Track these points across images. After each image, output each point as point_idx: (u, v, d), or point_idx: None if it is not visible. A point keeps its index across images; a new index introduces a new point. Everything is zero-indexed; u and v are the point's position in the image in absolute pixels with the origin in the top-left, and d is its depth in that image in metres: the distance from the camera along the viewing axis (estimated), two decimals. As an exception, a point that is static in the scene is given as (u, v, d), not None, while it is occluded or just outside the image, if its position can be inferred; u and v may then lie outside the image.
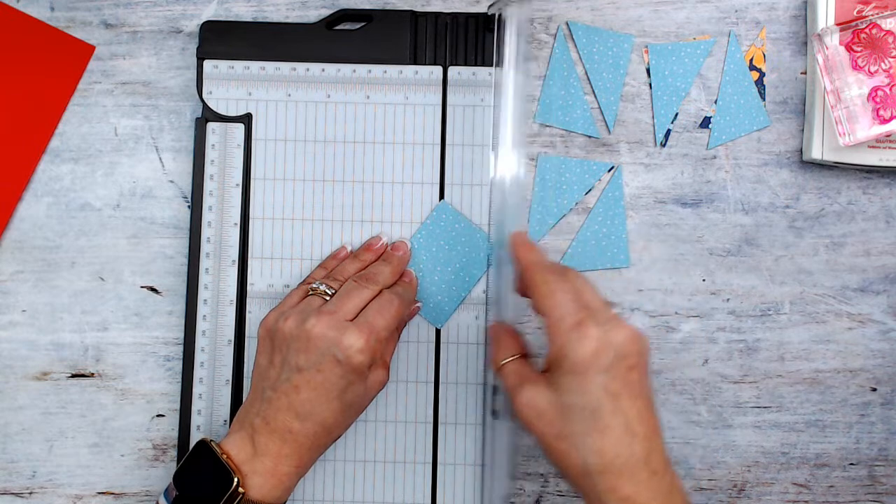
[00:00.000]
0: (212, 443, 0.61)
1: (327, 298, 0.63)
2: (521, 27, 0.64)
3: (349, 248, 0.68)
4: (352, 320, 0.61)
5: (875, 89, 0.66)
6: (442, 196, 0.68)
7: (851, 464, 0.69)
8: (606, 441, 0.54)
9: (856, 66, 0.66)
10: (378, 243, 0.68)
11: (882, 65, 0.66)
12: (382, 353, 0.63)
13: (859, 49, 0.67)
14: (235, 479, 0.59)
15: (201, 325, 0.68)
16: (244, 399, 0.65)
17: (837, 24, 0.67)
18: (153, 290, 0.70)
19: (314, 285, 0.64)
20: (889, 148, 0.68)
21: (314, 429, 0.61)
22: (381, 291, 0.64)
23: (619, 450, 0.53)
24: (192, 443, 0.67)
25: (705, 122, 0.70)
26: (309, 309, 0.62)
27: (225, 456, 0.60)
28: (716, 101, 0.70)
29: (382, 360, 0.64)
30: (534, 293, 0.58)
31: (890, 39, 0.67)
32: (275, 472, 0.60)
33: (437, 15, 0.68)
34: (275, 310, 0.64)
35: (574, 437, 0.54)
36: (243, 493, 0.59)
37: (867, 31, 0.66)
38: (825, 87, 0.67)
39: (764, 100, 0.70)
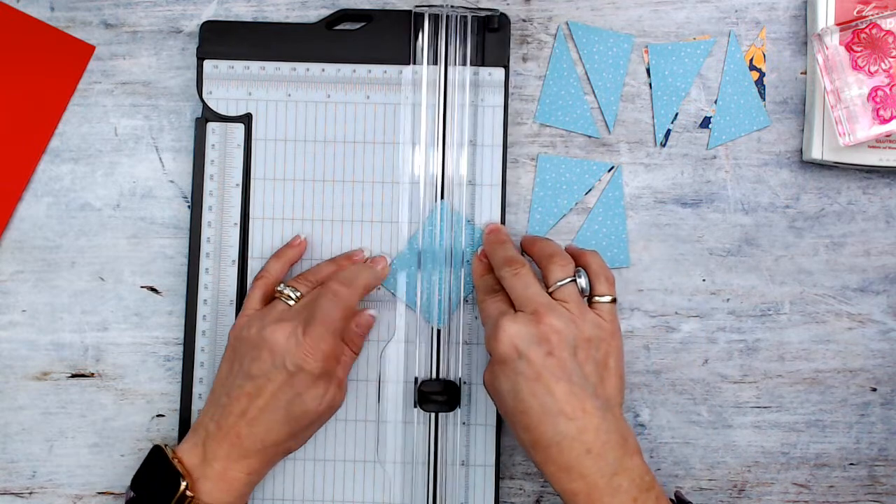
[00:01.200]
0: (166, 448, 0.62)
1: (291, 303, 0.64)
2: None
3: (303, 237, 0.68)
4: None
5: (875, 89, 0.66)
6: (442, 196, 0.68)
7: (851, 464, 0.69)
8: (530, 420, 0.58)
9: (856, 66, 0.66)
10: (360, 255, 0.68)
11: (882, 65, 0.66)
12: (335, 368, 0.63)
13: (859, 49, 0.66)
14: (183, 483, 0.60)
15: (201, 325, 0.68)
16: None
17: (837, 24, 0.67)
18: (153, 290, 0.70)
19: (279, 288, 0.65)
20: (889, 148, 0.68)
21: (262, 436, 0.61)
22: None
23: (544, 427, 0.58)
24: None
25: (705, 122, 0.70)
26: (270, 315, 0.63)
27: (176, 460, 0.61)
28: (716, 101, 0.70)
29: (337, 379, 0.64)
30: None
31: (890, 39, 0.67)
32: (224, 477, 0.61)
33: (437, 15, 0.68)
34: (241, 315, 0.65)
35: (508, 415, 0.60)
36: (192, 497, 0.60)
37: (867, 31, 0.66)
38: (825, 87, 0.67)
39: (764, 100, 0.70)
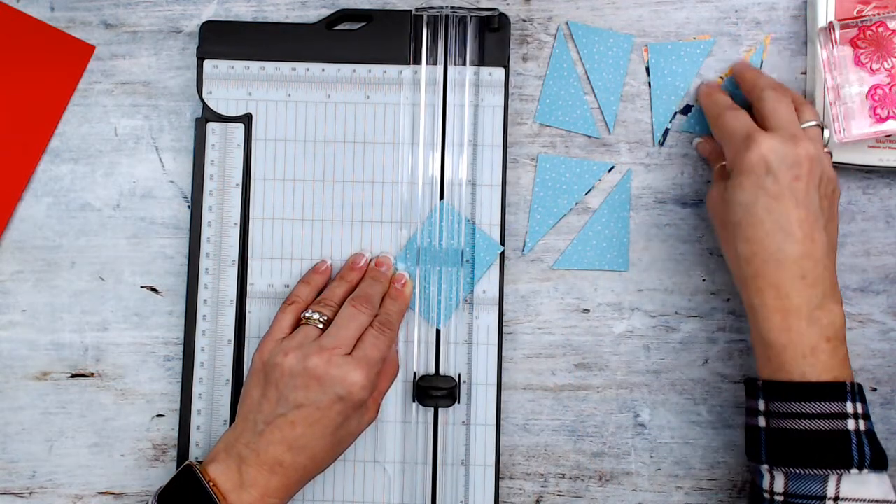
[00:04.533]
0: (198, 468, 0.61)
1: (320, 326, 0.64)
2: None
3: (329, 262, 0.68)
4: (351, 352, 0.63)
5: (875, 87, 0.66)
6: (442, 196, 0.68)
7: (852, 464, 0.69)
8: (756, 233, 0.59)
9: (858, 63, 0.66)
10: (361, 260, 0.68)
11: (885, 63, 0.66)
12: (374, 389, 0.64)
13: (864, 46, 0.66)
14: None
15: (201, 325, 0.68)
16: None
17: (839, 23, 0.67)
18: (153, 290, 0.70)
19: (306, 314, 0.65)
20: (889, 148, 0.68)
21: (304, 462, 0.61)
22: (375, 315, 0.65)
23: (766, 243, 0.59)
24: (192, 443, 0.67)
25: (689, 118, 0.70)
26: (307, 342, 0.63)
27: (211, 483, 0.60)
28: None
29: (373, 398, 0.65)
30: (711, 124, 0.65)
31: (895, 39, 0.66)
32: None
33: (436, 15, 0.68)
34: (269, 339, 0.65)
35: (732, 227, 0.61)
36: None
37: (874, 28, 0.66)
38: (826, 83, 0.67)
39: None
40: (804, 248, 0.59)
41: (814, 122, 0.63)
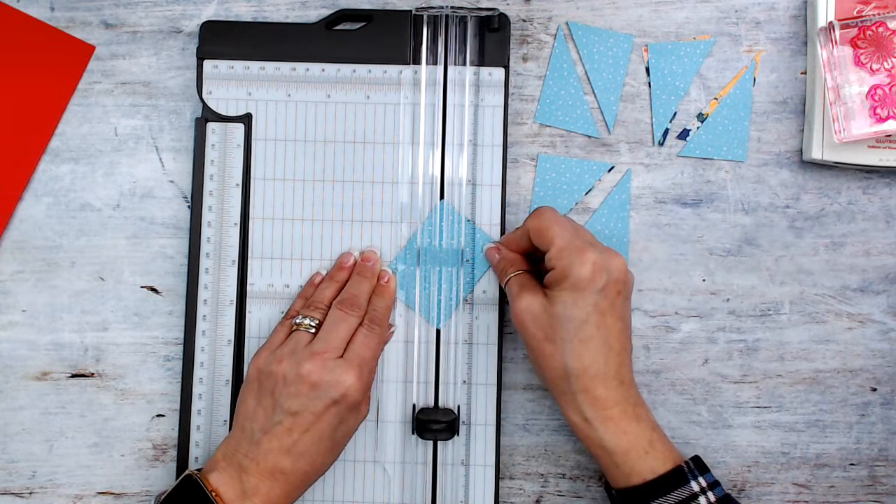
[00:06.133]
0: (199, 478, 0.61)
1: (312, 331, 0.64)
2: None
3: (324, 272, 0.68)
4: (342, 355, 0.63)
5: (875, 87, 0.66)
6: (442, 196, 0.68)
7: (851, 464, 0.69)
8: (586, 349, 0.61)
9: (858, 63, 0.66)
10: (349, 260, 0.68)
11: (885, 63, 0.66)
12: (367, 388, 0.64)
13: (864, 46, 0.66)
14: None
15: (201, 325, 0.68)
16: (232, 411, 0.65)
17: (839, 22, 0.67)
18: (153, 290, 0.70)
19: (297, 320, 0.65)
20: (889, 148, 0.68)
21: (305, 468, 0.62)
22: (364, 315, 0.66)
23: (596, 358, 0.61)
24: (192, 443, 0.67)
25: (683, 134, 0.70)
26: (299, 349, 0.63)
27: (214, 493, 0.60)
28: (715, 99, 0.70)
29: (365, 395, 0.65)
30: (536, 230, 0.63)
31: (895, 39, 0.66)
32: None
33: (436, 15, 0.68)
34: (264, 349, 0.65)
35: (560, 342, 0.61)
36: None
37: (874, 28, 0.66)
38: (826, 83, 0.67)
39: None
40: (621, 359, 0.62)
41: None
